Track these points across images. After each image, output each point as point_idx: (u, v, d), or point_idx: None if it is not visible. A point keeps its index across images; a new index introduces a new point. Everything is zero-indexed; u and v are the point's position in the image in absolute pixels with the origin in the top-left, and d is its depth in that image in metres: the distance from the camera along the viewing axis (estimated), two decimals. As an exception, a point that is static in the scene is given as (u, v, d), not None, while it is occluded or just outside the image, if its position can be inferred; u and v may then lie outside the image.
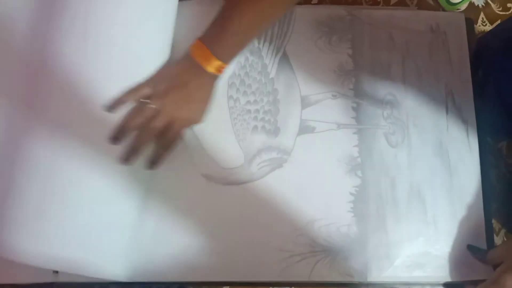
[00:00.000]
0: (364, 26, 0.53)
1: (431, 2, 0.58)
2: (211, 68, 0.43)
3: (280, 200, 0.48)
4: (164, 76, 0.45)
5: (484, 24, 0.59)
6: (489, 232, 0.49)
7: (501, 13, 0.60)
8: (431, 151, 0.50)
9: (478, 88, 0.53)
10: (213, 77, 0.45)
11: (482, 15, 0.59)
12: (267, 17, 0.44)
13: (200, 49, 0.43)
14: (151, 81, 0.44)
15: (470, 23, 0.55)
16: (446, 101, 0.52)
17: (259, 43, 0.52)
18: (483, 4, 0.59)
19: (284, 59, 0.52)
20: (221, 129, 0.49)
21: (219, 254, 0.46)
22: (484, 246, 0.48)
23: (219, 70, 0.44)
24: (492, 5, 0.60)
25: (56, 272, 0.44)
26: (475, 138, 0.51)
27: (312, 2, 0.57)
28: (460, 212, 0.49)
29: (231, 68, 0.51)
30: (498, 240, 0.51)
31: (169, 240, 0.46)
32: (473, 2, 0.59)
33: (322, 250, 0.47)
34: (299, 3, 0.55)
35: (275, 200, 0.48)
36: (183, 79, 0.44)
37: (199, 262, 0.46)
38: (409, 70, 0.52)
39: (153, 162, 0.44)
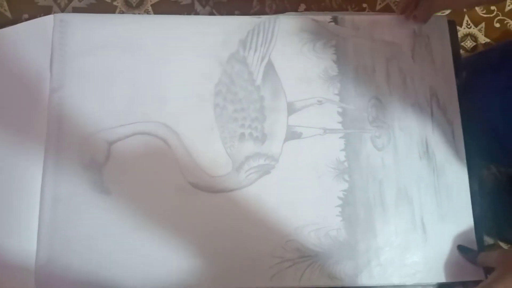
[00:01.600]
0: (348, 32, 0.54)
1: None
2: None
3: (268, 207, 0.48)
4: None
5: (468, 26, 0.60)
6: (479, 232, 0.49)
7: (485, 15, 0.61)
8: (417, 153, 0.51)
9: (462, 90, 0.53)
10: None
11: (466, 17, 0.60)
12: None
13: None
14: None
15: (452, 25, 0.56)
16: (431, 103, 0.52)
17: (244, 51, 0.52)
18: (467, 7, 0.60)
19: (269, 66, 0.52)
20: (208, 137, 0.50)
21: (208, 262, 0.46)
22: (474, 246, 0.48)
23: None
24: (476, 8, 0.61)
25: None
26: (461, 139, 0.52)
27: (299, 10, 0.57)
28: (448, 213, 0.49)
29: (217, 77, 0.51)
30: (488, 239, 0.52)
31: (156, 249, 0.46)
32: (458, 5, 0.60)
33: (312, 255, 0.47)
34: (283, 12, 0.56)
35: (263, 207, 0.48)
36: None
37: (188, 270, 0.46)
38: (393, 73, 0.53)
39: None
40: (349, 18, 0.55)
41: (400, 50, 0.54)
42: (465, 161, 0.51)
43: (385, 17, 0.55)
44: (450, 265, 0.48)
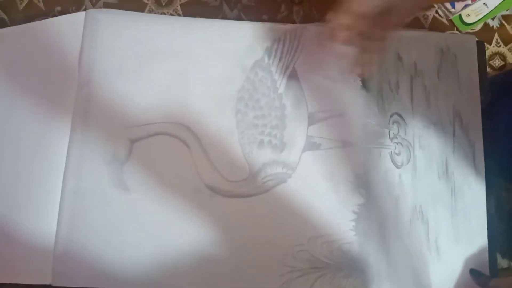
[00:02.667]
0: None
1: (446, 22, 0.58)
2: None
3: (282, 215, 0.48)
4: None
5: (498, 45, 0.59)
6: (492, 257, 0.49)
7: (515, 34, 0.60)
8: (436, 173, 0.51)
9: (487, 110, 0.52)
10: None
11: (496, 36, 0.59)
12: None
13: None
14: None
15: (481, 45, 0.55)
16: (454, 123, 0.52)
17: (269, 59, 0.53)
18: (498, 26, 0.59)
19: (293, 75, 0.52)
20: (228, 141, 0.50)
21: (220, 266, 0.47)
22: (486, 271, 0.48)
23: None
24: (507, 26, 0.60)
25: (54, 274, 0.45)
26: (482, 161, 0.51)
27: (326, 18, 0.57)
28: (463, 235, 0.49)
29: (240, 83, 0.52)
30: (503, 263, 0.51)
31: (168, 248, 0.47)
32: (488, 23, 0.59)
33: (323, 267, 0.47)
34: (310, 18, 0.56)
35: (277, 215, 0.48)
36: None
37: (199, 273, 0.47)
38: (417, 90, 0.53)
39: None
40: None
41: (425, 67, 0.53)
42: (484, 183, 0.51)
43: (412, 33, 0.55)
44: (463, 285, 0.48)
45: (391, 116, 0.52)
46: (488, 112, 0.52)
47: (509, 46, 0.59)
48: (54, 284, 0.46)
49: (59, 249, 0.46)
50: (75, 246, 0.46)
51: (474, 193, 0.50)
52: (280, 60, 0.53)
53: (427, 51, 0.54)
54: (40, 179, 0.48)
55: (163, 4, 0.57)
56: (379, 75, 0.53)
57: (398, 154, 0.51)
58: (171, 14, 0.56)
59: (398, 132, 0.51)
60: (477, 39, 0.56)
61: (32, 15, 0.55)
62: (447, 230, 0.49)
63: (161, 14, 0.56)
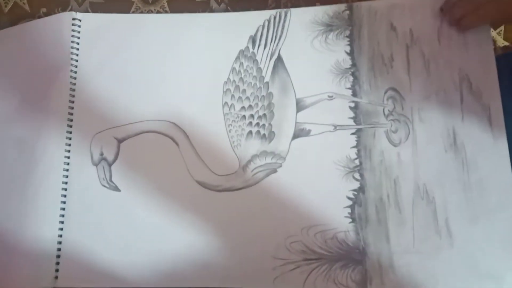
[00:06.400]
0: (363, 20, 0.50)
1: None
2: None
3: (274, 206, 0.46)
4: None
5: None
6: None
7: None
8: (442, 145, 0.46)
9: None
10: None
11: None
12: None
13: None
14: None
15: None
16: (461, 88, 0.47)
17: (253, 48, 0.51)
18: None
19: (279, 62, 0.51)
20: (216, 136, 0.49)
21: (212, 261, 0.46)
22: None
23: None
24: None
25: (56, 277, 0.47)
26: (501, 125, 0.45)
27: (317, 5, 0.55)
28: (481, 213, 0.44)
29: (226, 75, 0.51)
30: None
31: (161, 248, 0.47)
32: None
33: (318, 258, 0.45)
34: (297, 5, 0.54)
35: (269, 207, 0.47)
36: None
37: (190, 269, 0.46)
38: (415, 60, 0.48)
39: None
40: (366, 4, 0.51)
41: (423, 32, 0.49)
42: (506, 148, 0.45)
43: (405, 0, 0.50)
44: (480, 276, 0.43)
45: (385, 92, 0.48)
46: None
47: (498, 30, 0.55)
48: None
49: (56, 248, 0.48)
50: (72, 246, 0.47)
51: (492, 163, 0.45)
52: (265, 48, 0.51)
53: (424, 15, 0.49)
54: (39, 177, 0.49)
55: (150, 1, 0.57)
56: (370, 50, 0.49)
57: (394, 132, 0.47)
58: (158, 12, 0.56)
59: (394, 108, 0.48)
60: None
61: (18, 17, 0.56)
62: (459, 209, 0.44)
63: (148, 11, 0.56)
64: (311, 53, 0.50)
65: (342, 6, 0.51)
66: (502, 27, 0.55)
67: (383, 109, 0.48)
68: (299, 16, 0.52)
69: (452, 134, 0.46)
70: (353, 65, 0.49)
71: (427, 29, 0.49)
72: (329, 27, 0.51)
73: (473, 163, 0.45)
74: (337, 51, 0.50)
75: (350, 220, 0.45)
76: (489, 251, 0.43)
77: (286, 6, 0.55)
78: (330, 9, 0.51)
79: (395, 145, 0.47)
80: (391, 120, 0.47)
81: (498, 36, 0.55)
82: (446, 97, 0.47)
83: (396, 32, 0.49)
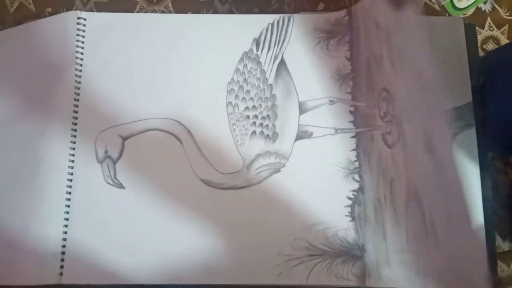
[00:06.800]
0: (360, 23, 0.52)
1: (438, 8, 0.58)
2: None
3: (277, 205, 0.48)
4: None
5: (491, 29, 0.58)
6: (491, 235, 0.48)
7: (508, 17, 0.58)
8: (423, 147, 0.45)
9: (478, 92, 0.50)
10: None
11: (489, 20, 0.58)
12: None
13: None
14: None
15: (471, 28, 0.54)
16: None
17: (257, 50, 0.53)
18: (490, 9, 0.58)
19: (282, 65, 0.52)
20: (220, 134, 0.50)
21: (216, 258, 0.47)
22: (484, 254, 0.46)
23: None
24: (499, 9, 0.58)
25: (61, 274, 0.46)
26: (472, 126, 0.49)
27: (317, 9, 0.57)
28: (457, 214, 0.45)
29: (230, 75, 0.52)
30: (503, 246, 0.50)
31: (165, 244, 0.47)
32: (480, 8, 0.58)
33: (320, 254, 0.47)
34: (300, 11, 0.56)
35: (272, 205, 0.48)
36: None
37: (195, 266, 0.47)
38: (396, 56, 0.47)
39: None
40: (360, 5, 0.52)
41: (401, 25, 0.46)
42: (476, 152, 0.48)
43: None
44: (458, 275, 0.46)
45: (381, 94, 0.50)
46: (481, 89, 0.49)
47: (502, 29, 0.58)
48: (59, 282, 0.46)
49: (61, 246, 0.47)
50: (76, 243, 0.47)
51: (464, 164, 0.48)
52: (268, 50, 0.53)
53: (401, 7, 0.46)
54: (39, 181, 0.48)
55: (154, 1, 0.57)
56: (366, 53, 0.51)
57: (389, 134, 0.49)
58: (162, 11, 0.56)
59: (388, 109, 0.49)
60: (467, 22, 0.54)
61: (23, 17, 0.55)
62: (440, 210, 0.45)
63: (152, 11, 0.56)
64: (313, 58, 0.52)
65: (342, 13, 0.54)
66: (506, 26, 0.58)
67: (379, 111, 0.50)
68: (301, 23, 0.53)
69: (428, 136, 0.45)
70: (353, 70, 0.52)
71: (404, 21, 0.46)
72: (330, 34, 0.53)
73: (447, 165, 0.44)
74: (337, 57, 0.52)
75: (350, 218, 0.48)
76: (464, 251, 0.45)
77: (289, 6, 0.57)
78: (331, 16, 0.54)
79: (389, 147, 0.49)
80: (386, 121, 0.49)
81: (502, 36, 0.58)
82: (424, 94, 0.44)
83: (379, 29, 0.49)
